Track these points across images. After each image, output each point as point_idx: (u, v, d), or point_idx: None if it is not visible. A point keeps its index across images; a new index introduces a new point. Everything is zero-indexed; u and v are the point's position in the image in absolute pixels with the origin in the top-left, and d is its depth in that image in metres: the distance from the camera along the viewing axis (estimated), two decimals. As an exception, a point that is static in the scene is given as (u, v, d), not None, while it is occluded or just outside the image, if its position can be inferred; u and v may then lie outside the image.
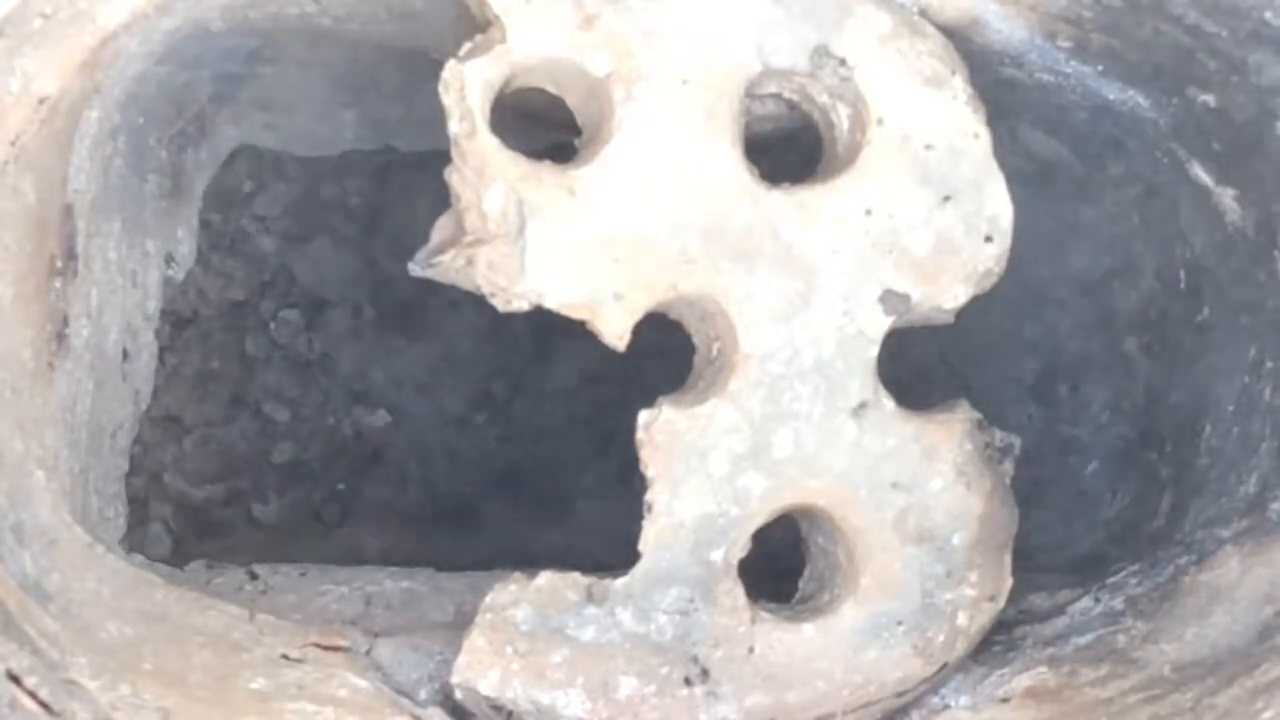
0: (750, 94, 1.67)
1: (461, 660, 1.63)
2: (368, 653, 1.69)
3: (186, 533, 2.31)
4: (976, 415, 1.74)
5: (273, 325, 2.35)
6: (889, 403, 1.70)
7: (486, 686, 1.63)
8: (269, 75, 2.06)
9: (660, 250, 1.64)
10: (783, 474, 1.68)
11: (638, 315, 1.64)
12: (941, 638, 1.71)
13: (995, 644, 1.77)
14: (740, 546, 1.68)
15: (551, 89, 1.68)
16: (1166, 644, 1.72)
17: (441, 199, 1.63)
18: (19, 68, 1.55)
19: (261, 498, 2.36)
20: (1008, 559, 1.74)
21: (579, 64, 1.62)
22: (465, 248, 1.60)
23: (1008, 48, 1.76)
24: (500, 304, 1.62)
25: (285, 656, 1.67)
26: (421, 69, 1.79)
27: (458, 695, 1.64)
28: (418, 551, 2.27)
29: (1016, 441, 1.75)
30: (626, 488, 2.03)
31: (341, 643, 1.70)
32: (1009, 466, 1.74)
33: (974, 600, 1.72)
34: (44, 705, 1.48)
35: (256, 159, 2.29)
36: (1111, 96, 1.84)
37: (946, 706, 1.73)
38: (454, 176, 1.60)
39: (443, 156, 1.60)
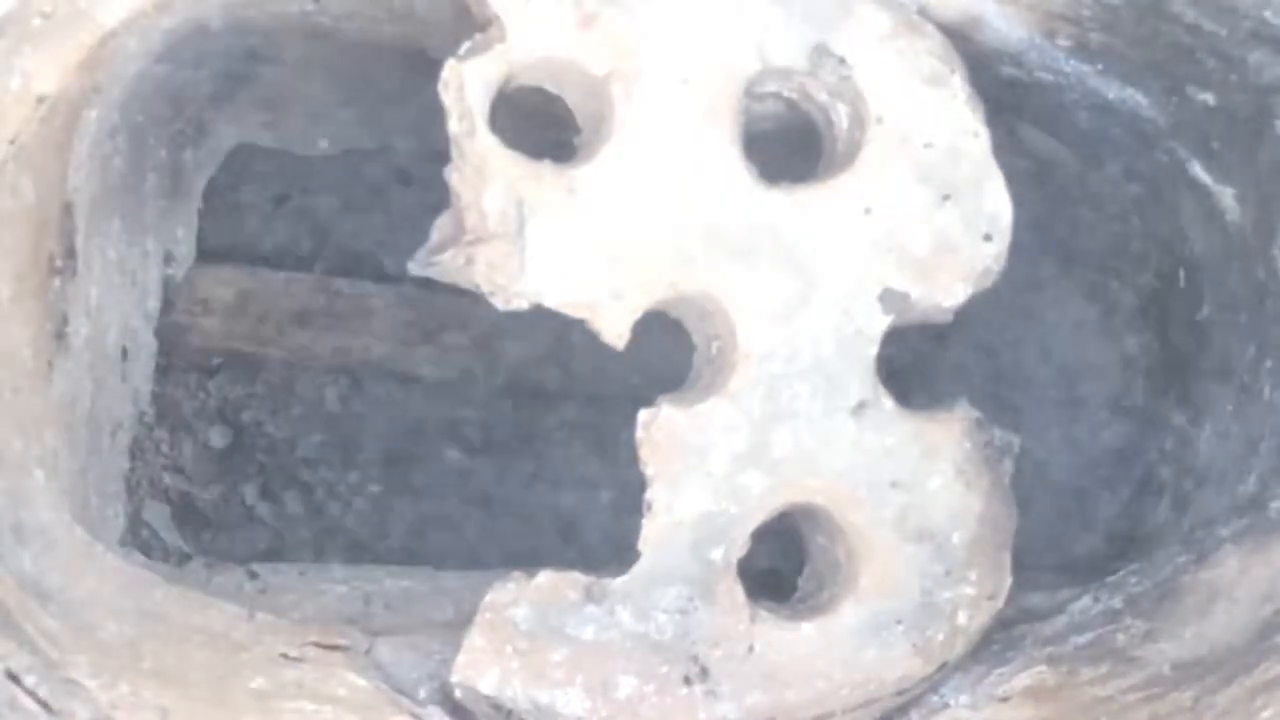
0: (750, 93, 1.67)
1: (461, 659, 1.63)
2: (367, 652, 1.69)
3: (187, 532, 2.31)
4: (976, 414, 1.74)
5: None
6: (888, 401, 1.70)
7: (486, 685, 1.63)
8: (268, 74, 2.06)
9: (660, 249, 1.64)
10: (782, 473, 1.68)
11: (637, 314, 1.64)
12: (941, 636, 1.71)
13: (995, 643, 1.77)
14: (740, 545, 1.68)
15: (551, 88, 1.68)
16: (1166, 643, 1.72)
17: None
18: (18, 67, 1.55)
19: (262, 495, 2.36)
20: (1007, 558, 1.74)
21: (579, 63, 1.62)
22: (465, 247, 1.60)
23: (1007, 46, 1.76)
24: (500, 303, 1.62)
25: (284, 655, 1.67)
26: (421, 68, 1.79)
27: (457, 694, 1.64)
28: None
29: (1016, 440, 1.75)
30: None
31: (341, 642, 1.70)
32: (1008, 465, 1.74)
33: (974, 599, 1.72)
34: (43, 704, 1.48)
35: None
36: (1111, 95, 1.85)
37: (946, 705, 1.73)
38: (453, 175, 1.60)
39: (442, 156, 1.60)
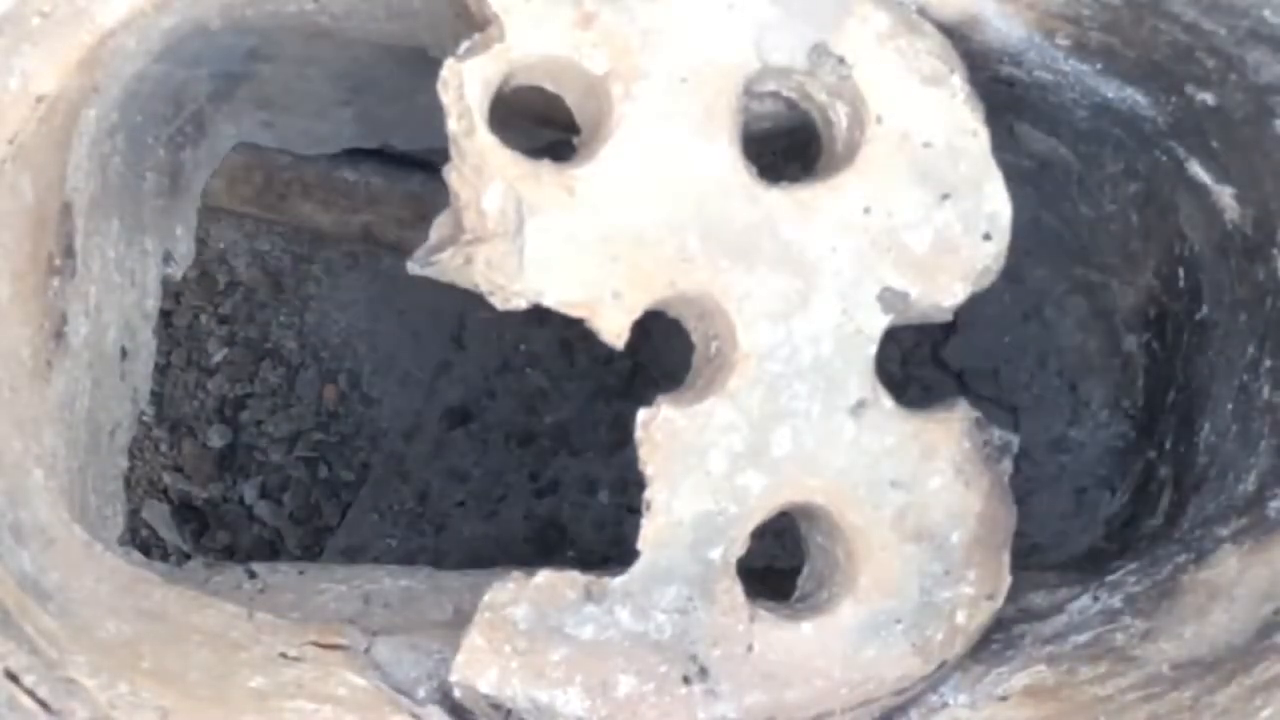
0: (749, 92, 1.67)
1: (460, 659, 1.63)
2: (366, 651, 1.69)
3: (185, 532, 2.31)
4: (975, 414, 1.74)
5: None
6: (887, 401, 1.70)
7: (485, 685, 1.63)
8: (267, 73, 2.06)
9: (659, 248, 1.64)
10: (781, 472, 1.68)
11: (636, 313, 1.64)
12: (940, 636, 1.71)
13: (994, 642, 1.77)
14: (739, 545, 1.68)
15: (550, 87, 1.68)
16: (1165, 642, 1.72)
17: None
18: (17, 66, 1.54)
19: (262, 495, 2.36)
20: (1006, 557, 1.74)
21: (578, 62, 1.62)
22: (464, 246, 1.60)
23: (1006, 46, 1.76)
24: (499, 302, 1.62)
25: (284, 655, 1.67)
26: (420, 67, 1.79)
27: (456, 694, 1.64)
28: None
29: (1015, 440, 1.75)
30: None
31: (340, 641, 1.70)
32: (1007, 465, 1.74)
33: (973, 598, 1.72)
34: (42, 703, 1.48)
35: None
36: (1110, 94, 1.84)
37: (945, 704, 1.73)
38: (453, 175, 1.60)
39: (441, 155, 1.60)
